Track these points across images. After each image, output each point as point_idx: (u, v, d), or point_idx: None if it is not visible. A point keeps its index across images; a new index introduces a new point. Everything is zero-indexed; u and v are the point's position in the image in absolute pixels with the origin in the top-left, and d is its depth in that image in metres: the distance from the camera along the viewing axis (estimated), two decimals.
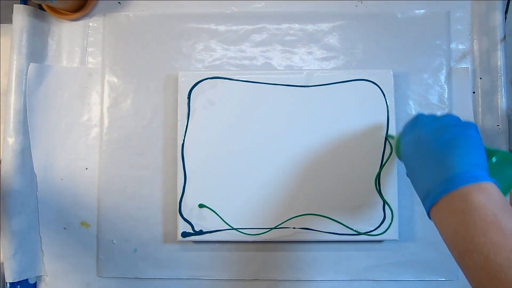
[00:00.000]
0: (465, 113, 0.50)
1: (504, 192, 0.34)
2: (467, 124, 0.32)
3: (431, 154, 0.31)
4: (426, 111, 0.50)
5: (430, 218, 0.31)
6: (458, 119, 0.34)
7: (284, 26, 0.51)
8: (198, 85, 0.48)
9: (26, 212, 0.49)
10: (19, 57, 0.49)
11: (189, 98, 0.48)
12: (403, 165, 0.48)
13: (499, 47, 0.47)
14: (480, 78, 0.50)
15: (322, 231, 0.47)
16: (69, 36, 0.52)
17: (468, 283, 0.49)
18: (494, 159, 0.34)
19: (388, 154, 0.47)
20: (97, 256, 0.50)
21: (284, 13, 0.51)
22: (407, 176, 0.35)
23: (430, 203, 0.30)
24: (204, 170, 0.48)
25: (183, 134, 0.48)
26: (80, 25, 0.52)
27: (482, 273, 0.26)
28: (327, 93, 0.48)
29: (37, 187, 0.50)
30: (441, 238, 0.48)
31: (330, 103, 0.48)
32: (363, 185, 0.47)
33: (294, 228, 0.47)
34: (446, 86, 0.50)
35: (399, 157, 0.40)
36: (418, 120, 0.35)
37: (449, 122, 0.33)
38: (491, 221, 0.26)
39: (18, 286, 0.48)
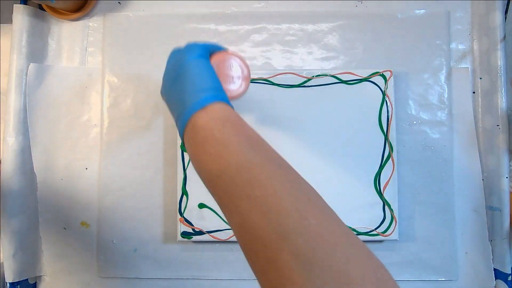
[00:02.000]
0: (465, 113, 0.50)
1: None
2: (190, 49, 0.33)
3: (172, 91, 0.32)
4: (426, 111, 0.50)
5: (184, 147, 0.33)
6: (190, 45, 0.34)
7: (284, 26, 0.51)
8: None
9: (26, 212, 0.49)
10: (19, 57, 0.49)
11: None
12: (402, 161, 0.48)
13: (499, 47, 0.47)
14: (480, 78, 0.50)
15: None
16: (69, 36, 0.52)
17: (468, 283, 0.50)
18: None
19: (388, 154, 0.47)
20: (97, 256, 0.50)
21: (284, 13, 0.51)
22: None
23: (181, 131, 0.31)
24: None
25: None
26: (80, 25, 0.52)
27: (210, 187, 0.28)
28: (327, 93, 0.48)
29: (37, 187, 0.50)
30: (441, 237, 0.49)
31: (330, 103, 0.48)
32: (363, 185, 0.47)
33: None
34: (446, 86, 0.50)
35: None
36: (168, 59, 0.36)
37: (180, 54, 0.33)
38: (208, 138, 0.28)
39: (18, 286, 0.48)
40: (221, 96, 0.31)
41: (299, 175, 0.28)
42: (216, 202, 0.28)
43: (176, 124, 0.32)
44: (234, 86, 0.36)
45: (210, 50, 0.35)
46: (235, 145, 0.27)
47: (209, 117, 0.29)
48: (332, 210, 0.27)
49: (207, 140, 0.28)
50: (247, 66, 0.36)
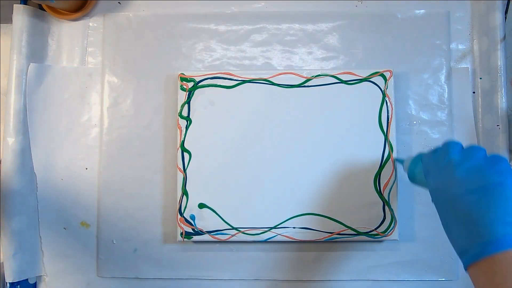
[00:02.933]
0: (465, 113, 0.50)
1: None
2: (501, 166, 0.30)
3: (467, 206, 0.29)
4: (426, 111, 0.50)
5: (466, 271, 0.30)
6: (487, 159, 0.31)
7: (284, 26, 0.51)
8: (198, 85, 0.48)
9: (26, 212, 0.49)
10: (19, 57, 0.49)
11: (189, 98, 0.48)
12: (403, 165, 0.48)
13: (499, 47, 0.47)
14: (480, 78, 0.50)
15: (322, 231, 0.47)
16: (69, 36, 0.52)
17: (468, 283, 0.49)
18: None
19: (388, 154, 0.47)
20: (97, 256, 0.50)
21: (284, 13, 0.51)
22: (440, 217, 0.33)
23: (468, 261, 0.29)
24: (204, 170, 0.48)
25: (183, 134, 0.48)
26: (80, 25, 0.52)
27: None
28: (327, 93, 0.48)
29: (37, 187, 0.50)
30: (441, 237, 0.48)
31: (330, 103, 0.48)
32: (363, 185, 0.47)
33: (294, 228, 0.47)
34: (446, 86, 0.50)
35: (415, 182, 0.40)
36: (447, 154, 0.32)
37: (481, 164, 0.30)
38: None
39: (18, 286, 0.48)
40: None
41: None
42: None
43: (458, 235, 0.29)
44: None
45: None
46: None
47: None
48: None
49: None
50: None
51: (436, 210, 0.48)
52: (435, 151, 0.35)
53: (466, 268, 0.29)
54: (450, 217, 0.30)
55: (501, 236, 0.27)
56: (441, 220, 0.32)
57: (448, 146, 0.34)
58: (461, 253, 0.29)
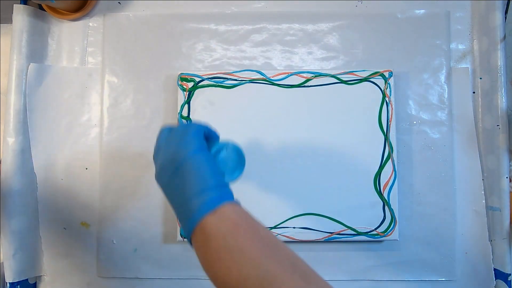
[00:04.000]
0: (465, 113, 0.50)
1: (233, 177, 0.36)
2: (192, 136, 0.31)
3: (170, 194, 0.30)
4: (426, 111, 0.50)
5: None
6: (185, 131, 0.32)
7: (284, 26, 0.51)
8: (198, 85, 0.48)
9: (26, 212, 0.49)
10: (19, 57, 0.49)
11: (189, 98, 0.48)
12: (402, 161, 0.48)
13: (499, 47, 0.47)
14: (480, 78, 0.50)
15: (322, 231, 0.47)
16: (69, 36, 0.52)
17: (468, 283, 0.50)
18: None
19: (388, 154, 0.47)
20: (97, 256, 0.50)
21: (284, 13, 0.51)
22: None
23: (189, 241, 0.30)
24: None
25: None
26: (80, 25, 0.52)
27: None
28: (327, 93, 0.48)
29: (37, 187, 0.50)
30: (441, 237, 0.49)
31: (330, 103, 0.48)
32: (363, 185, 0.47)
33: (294, 228, 0.47)
34: (446, 86, 0.50)
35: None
36: (158, 142, 0.34)
37: (173, 146, 0.31)
38: (222, 246, 0.27)
39: (18, 286, 0.48)
40: (227, 193, 0.30)
41: (319, 277, 0.27)
42: None
43: (179, 222, 0.30)
44: (232, 175, 0.36)
45: (205, 135, 0.33)
46: (253, 252, 0.26)
47: (221, 221, 0.28)
48: None
49: (221, 248, 0.27)
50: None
51: (435, 210, 0.49)
52: (156, 141, 0.36)
53: (189, 241, 0.30)
54: (171, 202, 0.31)
55: (196, 207, 0.28)
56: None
57: (160, 132, 0.35)
58: (185, 232, 0.30)
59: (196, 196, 0.28)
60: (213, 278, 0.28)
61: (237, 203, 0.30)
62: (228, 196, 0.29)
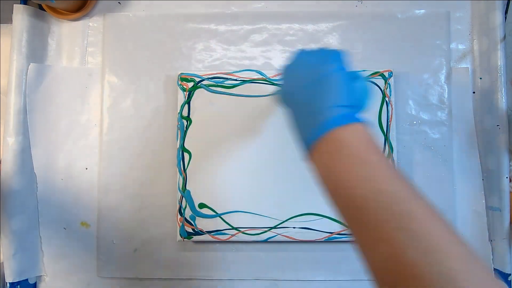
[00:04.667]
0: (465, 113, 0.50)
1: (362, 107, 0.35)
2: (333, 58, 0.32)
3: (304, 99, 0.31)
4: (426, 111, 0.50)
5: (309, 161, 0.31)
6: (327, 53, 0.33)
7: (284, 26, 0.51)
8: (198, 85, 0.48)
9: (26, 212, 0.49)
10: (19, 57, 0.49)
11: (189, 98, 0.48)
12: (402, 161, 0.48)
13: (499, 47, 0.47)
14: (480, 78, 0.50)
15: (322, 231, 0.47)
16: (69, 36, 0.52)
17: None
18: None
19: (388, 154, 0.47)
20: (97, 256, 0.50)
21: (284, 13, 0.51)
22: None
23: (306, 147, 0.30)
24: (204, 170, 0.48)
25: (183, 134, 0.48)
26: (80, 25, 0.52)
27: (348, 208, 0.27)
28: None
29: (37, 187, 0.50)
30: None
31: None
32: None
33: (294, 228, 0.47)
34: (446, 86, 0.50)
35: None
36: (292, 60, 0.35)
37: (317, 61, 0.32)
38: (355, 156, 0.27)
39: (18, 286, 0.48)
40: (361, 116, 0.29)
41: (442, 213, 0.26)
42: (348, 225, 0.27)
43: (301, 131, 0.31)
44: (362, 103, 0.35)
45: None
46: (384, 171, 0.26)
47: (354, 135, 0.28)
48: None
49: (353, 159, 0.27)
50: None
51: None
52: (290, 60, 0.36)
53: (308, 158, 0.30)
54: (296, 113, 0.32)
55: (331, 117, 0.28)
56: (291, 123, 0.33)
57: (294, 53, 0.35)
58: (303, 144, 0.31)
59: (332, 108, 0.29)
60: (335, 188, 0.28)
61: (369, 126, 0.30)
62: (360, 118, 0.29)
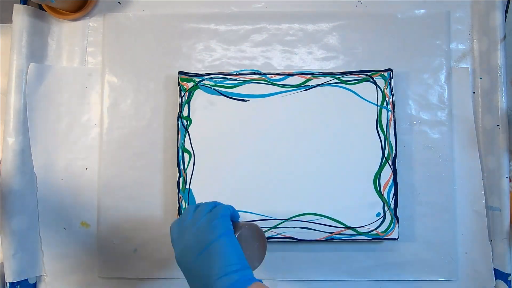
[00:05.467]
0: (465, 113, 0.50)
1: (255, 264, 0.38)
2: (216, 222, 0.32)
3: (196, 271, 0.32)
4: (426, 111, 0.50)
5: None
6: (207, 216, 0.33)
7: (284, 26, 0.51)
8: (198, 85, 0.48)
9: (26, 212, 0.49)
10: (19, 57, 0.49)
11: (189, 98, 0.48)
12: (402, 161, 0.48)
13: (499, 47, 0.47)
14: (480, 78, 0.50)
15: (322, 231, 0.47)
16: (69, 36, 0.52)
17: (468, 283, 0.50)
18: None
19: (388, 154, 0.47)
20: (97, 256, 0.50)
21: (284, 13, 0.51)
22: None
23: None
24: (204, 170, 0.48)
25: (183, 134, 0.48)
26: (80, 25, 0.52)
27: None
28: (326, 93, 0.48)
29: (37, 187, 0.50)
30: (441, 237, 0.48)
31: (330, 103, 0.48)
32: (363, 185, 0.47)
33: (294, 228, 0.47)
34: (446, 86, 0.50)
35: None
36: (181, 220, 0.35)
37: (203, 224, 0.33)
38: None
39: (18, 286, 0.48)
40: (250, 274, 0.31)
41: None
42: None
43: None
44: (256, 261, 0.38)
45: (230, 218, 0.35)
46: None
47: None
48: None
49: None
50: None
51: (435, 210, 0.49)
52: (179, 218, 0.36)
53: None
54: (191, 282, 0.33)
55: (228, 284, 0.29)
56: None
57: (185, 210, 0.36)
58: None
59: (222, 277, 0.29)
60: None
61: (260, 282, 0.31)
62: (251, 276, 0.31)
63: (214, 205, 0.36)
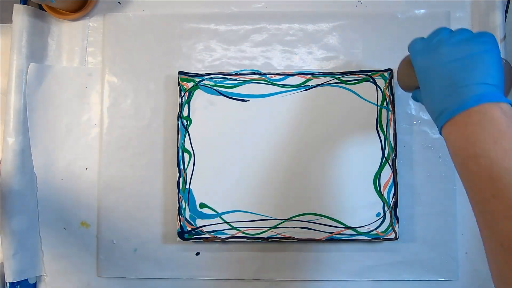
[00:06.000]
0: None
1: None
2: (486, 38, 0.32)
3: (451, 71, 0.31)
4: (426, 111, 0.49)
5: (441, 134, 0.32)
6: (473, 34, 0.33)
7: (284, 26, 0.51)
8: (198, 85, 0.48)
9: (26, 212, 0.49)
10: (19, 57, 0.49)
11: (189, 98, 0.48)
12: (402, 161, 0.48)
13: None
14: None
15: (322, 231, 0.47)
16: (69, 36, 0.52)
17: (468, 283, 0.49)
18: None
19: (388, 154, 0.47)
20: (97, 256, 0.50)
21: (284, 13, 0.51)
22: (414, 99, 0.37)
23: (445, 118, 0.30)
24: (204, 170, 0.48)
25: (183, 134, 0.48)
26: (80, 25, 0.52)
27: (485, 178, 0.27)
28: (326, 93, 0.48)
29: (37, 187, 0.50)
30: (441, 237, 0.48)
31: (330, 103, 0.48)
32: (363, 185, 0.47)
33: (294, 228, 0.47)
34: None
35: (403, 79, 0.39)
36: (436, 35, 0.34)
37: (468, 37, 0.32)
38: (505, 131, 0.27)
39: (18, 286, 0.48)
40: (503, 96, 0.30)
41: None
42: (480, 199, 0.28)
43: (441, 103, 0.31)
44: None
45: None
46: None
47: (504, 112, 0.28)
48: None
49: (502, 134, 0.27)
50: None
51: (435, 210, 0.48)
52: (423, 38, 0.36)
53: (441, 131, 0.32)
54: (433, 84, 0.32)
55: (478, 93, 0.29)
56: (422, 92, 0.34)
57: (438, 29, 0.35)
58: (439, 115, 0.31)
59: (479, 85, 0.29)
60: (478, 159, 0.27)
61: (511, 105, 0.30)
62: (506, 99, 0.30)
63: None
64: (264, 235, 0.47)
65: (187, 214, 0.47)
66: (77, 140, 0.51)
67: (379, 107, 0.48)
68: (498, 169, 0.26)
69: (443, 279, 0.49)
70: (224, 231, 0.47)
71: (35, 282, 0.50)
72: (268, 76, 0.49)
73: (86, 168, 0.51)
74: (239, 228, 0.47)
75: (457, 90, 0.30)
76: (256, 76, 0.48)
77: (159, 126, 0.50)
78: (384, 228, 0.47)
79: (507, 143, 0.26)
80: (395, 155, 0.47)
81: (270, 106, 0.48)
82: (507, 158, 0.26)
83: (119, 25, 0.51)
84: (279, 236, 0.47)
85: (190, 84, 0.48)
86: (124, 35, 0.51)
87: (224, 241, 0.47)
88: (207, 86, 0.48)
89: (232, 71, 0.49)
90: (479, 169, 0.27)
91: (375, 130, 0.48)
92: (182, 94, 0.48)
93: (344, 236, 0.47)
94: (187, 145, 0.48)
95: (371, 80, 0.48)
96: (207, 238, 0.47)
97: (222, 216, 0.47)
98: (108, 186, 0.50)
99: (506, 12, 0.49)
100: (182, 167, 0.48)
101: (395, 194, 0.47)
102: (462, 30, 0.33)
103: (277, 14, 0.51)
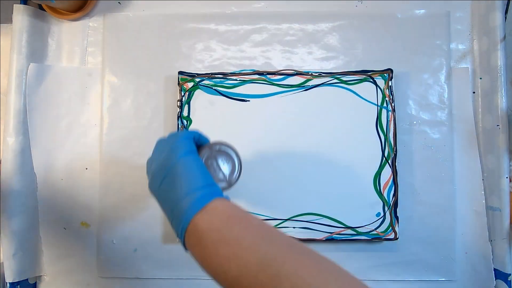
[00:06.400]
0: (465, 113, 0.50)
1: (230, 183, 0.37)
2: (176, 147, 0.32)
3: (163, 198, 0.31)
4: (426, 111, 0.50)
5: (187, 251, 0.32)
6: (171, 142, 0.33)
7: (284, 26, 0.51)
8: (198, 85, 0.48)
9: (26, 212, 0.49)
10: (19, 57, 0.49)
11: (189, 98, 0.48)
12: (402, 161, 0.48)
13: (499, 47, 0.47)
14: (480, 78, 0.50)
15: (322, 231, 0.47)
16: (69, 36, 0.52)
17: (468, 283, 0.50)
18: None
19: (388, 154, 0.47)
20: (97, 256, 0.50)
21: (284, 13, 0.51)
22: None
23: (182, 241, 0.30)
24: None
25: None
26: (80, 25, 0.52)
27: None
28: (326, 93, 0.48)
29: (37, 187, 0.50)
30: (441, 237, 0.48)
31: (330, 103, 0.48)
32: (363, 185, 0.47)
33: (294, 228, 0.47)
34: (446, 86, 0.50)
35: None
36: (153, 153, 0.35)
37: (166, 151, 0.32)
38: (217, 240, 0.27)
39: (18, 286, 0.48)
40: (216, 190, 0.30)
41: (318, 254, 0.27)
42: None
43: (172, 224, 0.31)
44: (223, 182, 0.37)
45: (195, 141, 0.35)
46: (249, 239, 0.27)
47: (213, 216, 0.28)
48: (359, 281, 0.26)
49: (217, 242, 0.27)
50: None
51: (435, 210, 0.48)
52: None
53: (183, 242, 0.31)
54: (164, 210, 0.32)
55: (185, 209, 0.29)
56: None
57: (154, 146, 0.35)
58: (178, 234, 0.31)
59: (185, 197, 0.29)
60: (214, 273, 0.28)
61: (226, 198, 0.30)
62: (216, 193, 0.30)
63: (178, 132, 0.35)
64: None
65: None
66: (77, 140, 0.51)
67: (379, 107, 0.48)
68: (228, 276, 0.26)
69: (443, 279, 0.49)
70: None
71: (35, 282, 0.50)
72: (268, 76, 0.49)
73: (86, 168, 0.51)
74: None
75: (174, 214, 0.30)
76: (256, 76, 0.48)
77: (159, 126, 0.50)
78: (384, 228, 0.47)
79: (224, 250, 0.27)
80: (395, 155, 0.47)
81: (270, 106, 0.48)
82: (229, 263, 0.26)
83: (119, 25, 0.51)
84: None
85: (190, 84, 0.48)
86: (124, 35, 0.51)
87: None
88: (207, 86, 0.48)
89: (232, 71, 0.49)
90: (222, 281, 0.28)
91: (375, 130, 0.48)
92: (182, 94, 0.48)
93: (344, 236, 0.47)
94: None
95: (371, 80, 0.48)
96: None
97: None
98: (108, 186, 0.50)
99: (506, 12, 0.49)
100: None
101: (395, 194, 0.47)
102: (165, 140, 0.34)
103: (277, 14, 0.51)
